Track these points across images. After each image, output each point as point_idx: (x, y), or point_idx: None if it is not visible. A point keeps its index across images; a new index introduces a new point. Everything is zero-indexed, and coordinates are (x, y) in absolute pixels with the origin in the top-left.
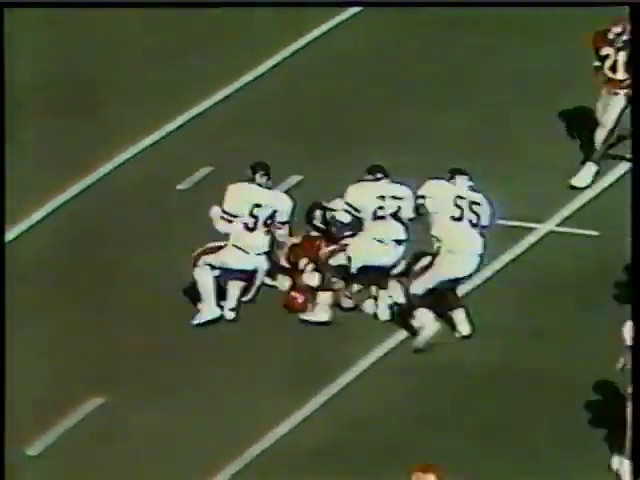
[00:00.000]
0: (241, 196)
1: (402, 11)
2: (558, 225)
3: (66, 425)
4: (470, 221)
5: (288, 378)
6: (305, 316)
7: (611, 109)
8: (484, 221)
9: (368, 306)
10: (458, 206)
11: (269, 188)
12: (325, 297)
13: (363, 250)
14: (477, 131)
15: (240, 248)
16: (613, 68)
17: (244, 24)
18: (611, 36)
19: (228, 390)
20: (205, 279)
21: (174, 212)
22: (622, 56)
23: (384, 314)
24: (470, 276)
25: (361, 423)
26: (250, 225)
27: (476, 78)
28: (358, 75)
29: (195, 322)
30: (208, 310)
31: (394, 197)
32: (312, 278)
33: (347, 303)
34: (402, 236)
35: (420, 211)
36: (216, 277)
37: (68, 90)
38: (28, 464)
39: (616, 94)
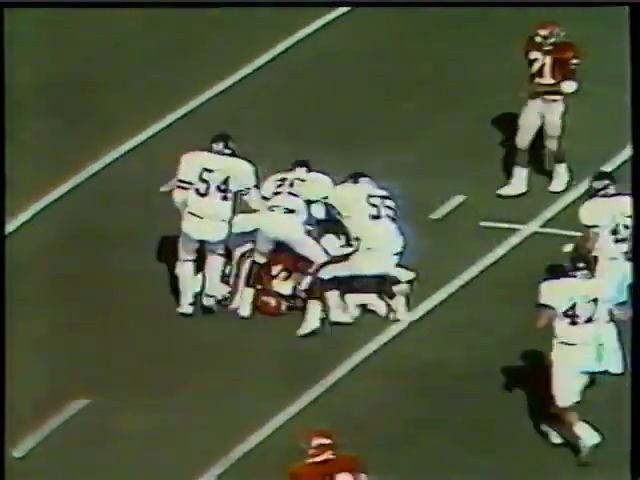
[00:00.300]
0: (192, 162)
1: (395, 11)
2: (541, 226)
3: (51, 426)
4: (388, 216)
5: (273, 380)
6: (302, 330)
7: (551, 116)
8: (397, 212)
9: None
10: (373, 205)
11: (227, 155)
12: (315, 307)
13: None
14: (461, 133)
15: (195, 214)
16: (540, 72)
17: (237, 23)
18: (538, 39)
19: (214, 391)
20: (185, 273)
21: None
22: (549, 60)
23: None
24: (383, 275)
25: (346, 424)
26: (202, 190)
27: (472, 78)
28: (350, 74)
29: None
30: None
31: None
32: (284, 286)
33: (343, 317)
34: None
35: (332, 216)
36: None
37: (67, 90)
38: (14, 466)
39: (554, 101)
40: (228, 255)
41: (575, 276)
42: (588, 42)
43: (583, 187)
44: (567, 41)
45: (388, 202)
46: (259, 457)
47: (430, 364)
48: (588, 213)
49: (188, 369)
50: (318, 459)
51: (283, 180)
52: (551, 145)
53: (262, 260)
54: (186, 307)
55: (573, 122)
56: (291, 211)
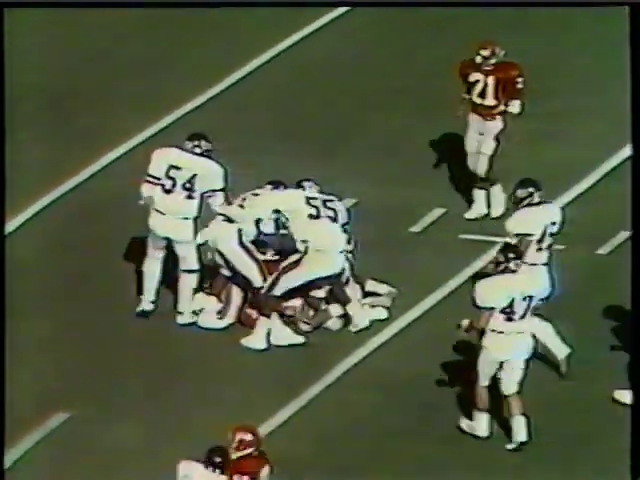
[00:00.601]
0: (161, 158)
1: (394, 11)
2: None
3: (32, 440)
4: (329, 217)
5: (254, 392)
6: (245, 342)
7: (488, 135)
8: (343, 218)
9: (333, 323)
10: (312, 205)
11: (197, 154)
12: (263, 326)
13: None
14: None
15: (159, 211)
16: (482, 94)
17: (232, 24)
18: (479, 60)
19: (195, 402)
20: (151, 270)
21: None
22: (491, 80)
23: (362, 322)
24: (339, 274)
25: (325, 437)
26: (167, 187)
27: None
28: (348, 75)
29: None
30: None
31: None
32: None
33: (306, 327)
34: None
35: (281, 224)
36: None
37: (66, 90)
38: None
39: (493, 119)
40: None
41: (507, 269)
42: (588, 42)
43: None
44: (509, 60)
45: (330, 204)
46: None
47: (411, 377)
48: (516, 223)
49: (171, 382)
50: (239, 454)
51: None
52: (481, 165)
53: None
54: (146, 304)
55: (573, 123)
56: (230, 221)
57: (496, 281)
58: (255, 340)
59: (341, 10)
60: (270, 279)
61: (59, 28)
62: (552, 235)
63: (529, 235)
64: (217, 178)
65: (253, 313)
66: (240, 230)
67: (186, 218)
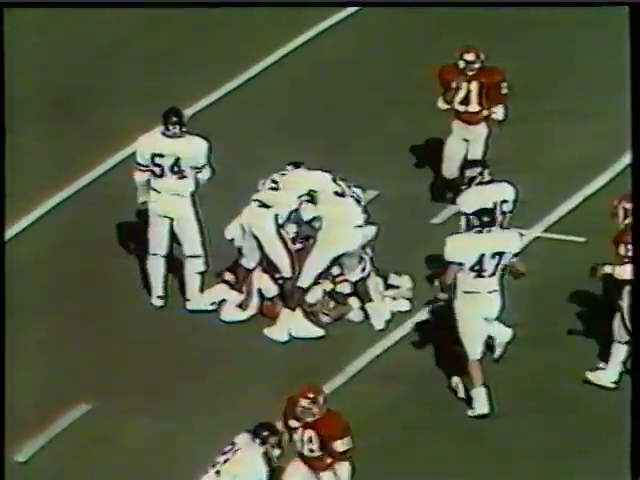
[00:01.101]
0: (143, 148)
1: (402, 11)
2: (544, 231)
3: (54, 431)
4: (352, 197)
5: (274, 384)
6: (268, 333)
7: (475, 142)
8: (364, 201)
9: (355, 315)
10: (338, 184)
11: (178, 136)
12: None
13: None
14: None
15: (156, 190)
16: (465, 100)
17: (240, 24)
18: (462, 65)
19: (218, 394)
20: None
21: None
22: (475, 86)
23: (379, 324)
24: (353, 252)
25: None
26: (157, 172)
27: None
28: (355, 76)
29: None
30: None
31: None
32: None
33: (326, 319)
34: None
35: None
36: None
37: (67, 92)
38: (16, 470)
39: (477, 124)
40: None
41: (481, 231)
42: (588, 42)
43: (589, 190)
44: (493, 65)
45: (355, 189)
46: None
47: (429, 370)
48: (464, 202)
49: (193, 373)
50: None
51: (267, 179)
52: (450, 168)
53: (251, 265)
54: (155, 300)
55: (573, 123)
56: (266, 206)
57: (467, 237)
58: (278, 331)
59: (353, 9)
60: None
61: (69, 27)
62: (504, 213)
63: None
64: (201, 154)
65: (277, 304)
66: (277, 216)
67: (183, 196)
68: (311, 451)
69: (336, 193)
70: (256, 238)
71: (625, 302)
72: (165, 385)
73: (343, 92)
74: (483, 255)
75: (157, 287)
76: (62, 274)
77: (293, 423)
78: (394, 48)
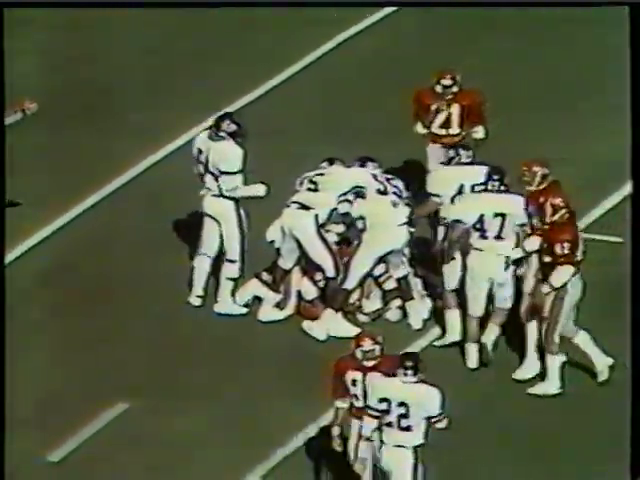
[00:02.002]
0: (194, 144)
1: (438, 12)
2: (582, 231)
3: (89, 431)
4: (394, 193)
5: (311, 382)
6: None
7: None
8: (405, 193)
9: (392, 314)
10: (379, 181)
11: (220, 138)
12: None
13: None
14: (501, 136)
15: (207, 187)
16: (446, 123)
17: (270, 25)
18: (439, 89)
19: (254, 393)
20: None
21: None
22: (456, 109)
23: (417, 323)
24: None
25: None
26: (200, 170)
27: (493, 82)
28: (391, 75)
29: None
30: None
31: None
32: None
33: (364, 318)
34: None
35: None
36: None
37: (76, 99)
38: (50, 471)
39: (463, 148)
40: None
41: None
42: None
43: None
44: (470, 88)
45: (394, 182)
46: (300, 460)
47: (464, 371)
48: (433, 181)
49: (229, 372)
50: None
51: (304, 179)
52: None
53: (288, 265)
54: (194, 299)
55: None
56: (305, 207)
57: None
58: (318, 329)
59: (390, 9)
60: (342, 270)
61: (108, 25)
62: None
63: (440, 196)
64: (234, 161)
65: (317, 306)
66: (317, 216)
67: (220, 196)
68: None
69: (378, 191)
70: (296, 240)
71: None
72: (202, 385)
73: (379, 91)
74: (483, 215)
75: (198, 286)
76: (97, 274)
77: (353, 375)
78: (429, 48)
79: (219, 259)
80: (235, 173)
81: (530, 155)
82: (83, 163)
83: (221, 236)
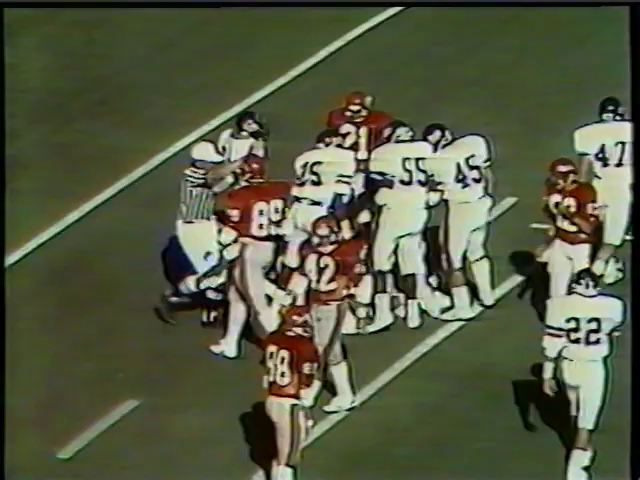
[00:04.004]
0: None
1: (448, 10)
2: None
3: (99, 428)
4: (419, 181)
5: (322, 381)
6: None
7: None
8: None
9: (400, 311)
10: (406, 169)
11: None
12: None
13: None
14: (509, 134)
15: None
16: (355, 146)
17: (282, 24)
18: (349, 113)
19: (261, 390)
20: None
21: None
22: (365, 131)
23: (414, 321)
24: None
25: (395, 426)
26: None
27: (508, 80)
28: (399, 74)
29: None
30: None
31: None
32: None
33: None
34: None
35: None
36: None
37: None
38: (59, 467)
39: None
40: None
41: None
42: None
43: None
44: (380, 111)
45: (421, 165)
46: (309, 459)
47: (478, 366)
48: (377, 162)
49: (236, 369)
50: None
51: (305, 165)
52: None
53: (293, 263)
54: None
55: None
56: (317, 203)
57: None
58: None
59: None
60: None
61: (119, 23)
62: (475, 168)
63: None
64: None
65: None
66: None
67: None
68: None
69: (402, 182)
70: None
71: None
72: (211, 382)
73: (391, 88)
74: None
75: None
76: (103, 271)
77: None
78: (441, 45)
79: None
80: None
81: (535, 151)
82: (91, 161)
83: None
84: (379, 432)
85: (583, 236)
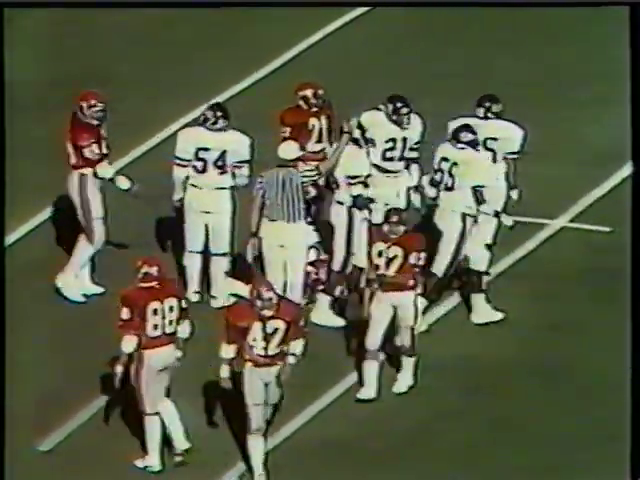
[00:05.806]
0: (187, 142)
1: (412, 10)
2: (571, 221)
3: (79, 420)
4: (446, 185)
5: (302, 371)
6: (322, 322)
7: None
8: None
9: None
10: (439, 170)
11: (222, 130)
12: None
13: None
14: None
15: (195, 186)
16: (319, 137)
17: (252, 23)
18: (303, 104)
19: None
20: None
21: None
22: (325, 121)
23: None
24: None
25: (375, 417)
26: (199, 168)
27: (489, 77)
28: (367, 73)
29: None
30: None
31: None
32: None
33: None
34: None
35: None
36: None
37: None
38: (40, 460)
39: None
40: None
41: None
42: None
43: (611, 183)
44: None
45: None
46: (287, 451)
47: (461, 359)
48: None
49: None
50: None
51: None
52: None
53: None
54: (192, 295)
55: (574, 122)
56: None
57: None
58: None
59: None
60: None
61: (98, 17)
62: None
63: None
64: (245, 150)
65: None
66: (349, 209)
67: (223, 188)
68: None
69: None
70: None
71: None
72: (187, 375)
73: (352, 92)
74: None
75: (193, 282)
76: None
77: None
78: (406, 47)
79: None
80: (248, 161)
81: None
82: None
83: (207, 230)
84: (356, 422)
85: None
